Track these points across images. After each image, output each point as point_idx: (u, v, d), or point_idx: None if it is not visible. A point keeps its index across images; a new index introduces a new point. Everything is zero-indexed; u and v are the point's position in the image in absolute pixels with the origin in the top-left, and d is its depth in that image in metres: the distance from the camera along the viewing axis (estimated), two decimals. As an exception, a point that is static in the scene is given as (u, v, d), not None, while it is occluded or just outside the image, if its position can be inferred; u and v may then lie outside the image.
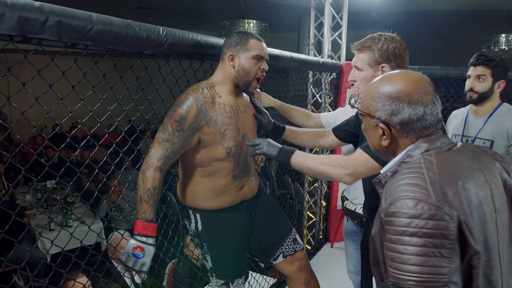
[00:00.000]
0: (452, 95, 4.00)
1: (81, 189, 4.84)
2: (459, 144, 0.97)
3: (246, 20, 5.78)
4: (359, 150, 1.40)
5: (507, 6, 5.96)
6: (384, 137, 0.95)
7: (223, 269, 1.71)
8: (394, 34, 1.49)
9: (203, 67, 1.76)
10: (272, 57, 2.21)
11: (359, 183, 1.61)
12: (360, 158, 1.37)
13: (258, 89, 2.11)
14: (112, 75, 1.45)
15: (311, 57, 2.79)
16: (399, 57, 1.45)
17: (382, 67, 1.45)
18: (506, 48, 6.48)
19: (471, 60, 2.05)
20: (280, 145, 1.51)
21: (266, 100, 2.12)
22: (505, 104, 2.07)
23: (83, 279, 2.31)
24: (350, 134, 1.73)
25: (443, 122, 1.09)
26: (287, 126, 1.84)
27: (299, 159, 1.46)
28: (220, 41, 1.70)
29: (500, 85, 2.01)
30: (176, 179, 1.80)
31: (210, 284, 1.82)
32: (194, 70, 1.77)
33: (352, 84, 1.55)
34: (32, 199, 4.95)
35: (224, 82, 1.58)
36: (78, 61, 1.28)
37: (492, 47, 6.53)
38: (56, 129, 6.02)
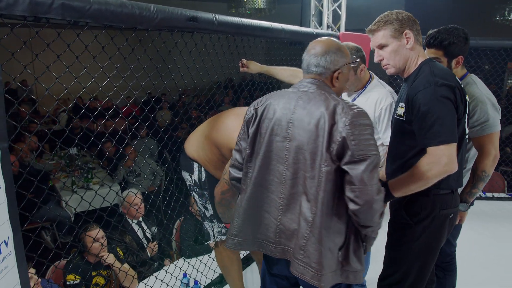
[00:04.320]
0: (472, 64, 3.80)
1: (101, 156, 5.22)
2: (302, 88, 1.40)
3: (255, -8, 5.87)
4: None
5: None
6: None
7: None
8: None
9: (194, 39, 1.98)
10: (263, 29, 2.40)
11: None
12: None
13: (244, 59, 2.33)
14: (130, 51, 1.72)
15: (304, 28, 2.94)
16: (415, 23, 1.53)
17: (405, 33, 1.51)
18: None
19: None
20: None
21: (254, 67, 2.33)
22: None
23: (98, 231, 2.61)
24: None
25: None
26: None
27: (396, 188, 1.51)
28: (207, 15, 1.90)
29: (459, 61, 1.90)
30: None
31: (210, 230, 2.10)
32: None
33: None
34: (57, 165, 5.36)
35: None
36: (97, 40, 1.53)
37: (506, 15, 6.41)
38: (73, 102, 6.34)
